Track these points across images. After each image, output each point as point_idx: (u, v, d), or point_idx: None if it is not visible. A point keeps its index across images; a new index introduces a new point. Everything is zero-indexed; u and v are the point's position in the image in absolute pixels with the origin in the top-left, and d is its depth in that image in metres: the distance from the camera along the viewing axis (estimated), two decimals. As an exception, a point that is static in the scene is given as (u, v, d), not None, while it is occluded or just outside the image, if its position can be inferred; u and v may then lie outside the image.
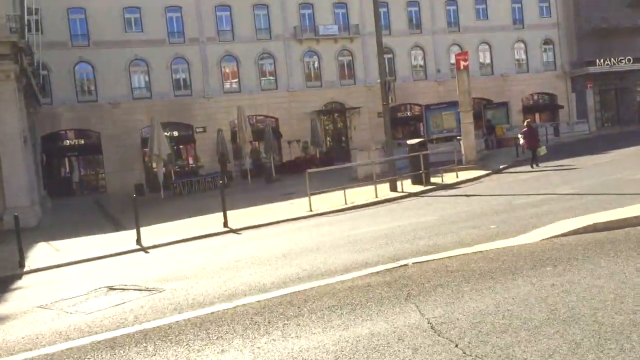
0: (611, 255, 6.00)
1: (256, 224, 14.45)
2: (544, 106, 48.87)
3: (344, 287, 6.30)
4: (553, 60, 48.43)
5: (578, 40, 47.88)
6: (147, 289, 7.87)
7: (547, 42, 48.05)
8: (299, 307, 5.71)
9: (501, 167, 21.82)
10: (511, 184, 15.94)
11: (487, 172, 20.50)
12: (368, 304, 5.51)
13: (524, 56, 47.52)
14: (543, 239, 7.14)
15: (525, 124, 22.13)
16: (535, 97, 48.80)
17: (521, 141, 21.49)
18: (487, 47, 45.81)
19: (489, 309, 4.85)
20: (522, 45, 47.24)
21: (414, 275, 6.36)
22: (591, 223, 7.28)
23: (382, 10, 37.25)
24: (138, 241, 12.91)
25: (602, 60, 47.23)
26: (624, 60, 47.57)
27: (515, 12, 46.84)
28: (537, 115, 47.71)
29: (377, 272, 6.75)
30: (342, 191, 16.39)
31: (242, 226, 14.23)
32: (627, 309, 4.43)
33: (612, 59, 47.36)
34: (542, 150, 20.58)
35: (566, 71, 48.10)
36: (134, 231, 12.94)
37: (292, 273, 7.71)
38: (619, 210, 8.06)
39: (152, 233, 14.14)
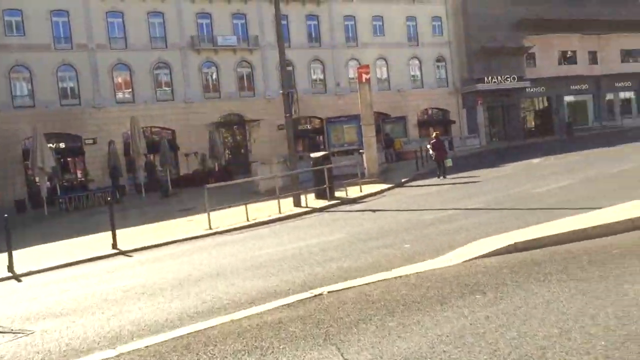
0: (541, 280, 5.57)
1: (150, 244, 13.20)
2: (437, 121, 50.41)
3: (252, 324, 5.43)
4: (445, 77, 50.19)
5: (468, 58, 49.96)
6: (11, 332, 6.57)
7: (440, 59, 49.72)
8: (197, 354, 4.77)
9: (403, 180, 21.80)
10: (416, 198, 15.74)
11: (390, 185, 20.37)
12: (281, 347, 4.68)
13: (418, 72, 48.85)
14: (465, 261, 6.66)
15: (433, 135, 22.52)
16: (430, 112, 50.28)
17: (431, 152, 21.79)
18: (384, 62, 46.64)
19: (423, 351, 4.19)
20: (417, 62, 48.57)
21: (331, 308, 5.61)
22: (512, 242, 6.90)
23: (282, 22, 36.84)
24: (10, 267, 11.29)
25: (490, 78, 49.55)
26: (509, 79, 50.20)
27: (410, 30, 48.12)
28: (431, 129, 49.14)
29: (289, 305, 5.94)
30: (243, 207, 15.49)
31: (133, 247, 12.94)
32: (577, 347, 3.92)
33: (499, 77, 49.82)
34: (449, 162, 20.96)
35: (457, 88, 49.97)
36: (5, 255, 11.31)
37: (190, 306, 6.73)
38: (535, 228, 7.79)
39: (28, 257, 12.52)
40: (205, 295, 7.18)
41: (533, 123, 57.94)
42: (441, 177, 20.34)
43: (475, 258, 6.70)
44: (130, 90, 36.88)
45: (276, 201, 15.99)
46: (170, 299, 7.23)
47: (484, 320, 4.66)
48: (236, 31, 40.35)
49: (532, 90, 53.60)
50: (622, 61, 60.32)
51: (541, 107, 58.35)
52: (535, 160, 23.37)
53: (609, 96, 59.54)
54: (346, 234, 10.76)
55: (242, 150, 41.03)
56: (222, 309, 6.40)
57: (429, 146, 22.34)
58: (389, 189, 19.63)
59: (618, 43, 59.54)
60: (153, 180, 31.41)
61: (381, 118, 41.58)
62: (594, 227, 7.14)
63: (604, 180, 13.31)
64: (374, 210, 14.13)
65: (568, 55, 57.54)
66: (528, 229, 7.80)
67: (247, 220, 15.02)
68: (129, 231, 15.88)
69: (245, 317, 5.74)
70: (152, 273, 9.51)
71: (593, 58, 58.52)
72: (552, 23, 53.00)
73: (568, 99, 57.43)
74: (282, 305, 5.94)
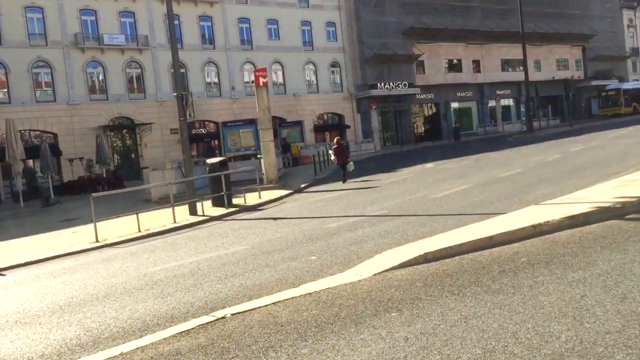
0: (456, 293, 5.36)
1: (27, 260, 11.93)
2: (333, 125, 50.92)
3: (145, 357, 4.78)
4: (340, 82, 50.84)
5: (362, 64, 50.92)
6: None
7: (334, 64, 50.29)
8: (81, 400, 4.08)
9: (302, 186, 21.52)
10: (317, 204, 15.46)
11: (290, 191, 20.01)
12: (181, 385, 4.10)
13: (314, 77, 49.13)
14: (376, 274, 6.36)
15: (335, 140, 22.36)
16: (325, 116, 50.74)
17: (332, 157, 21.66)
18: (279, 66, 46.44)
19: (343, 382, 3.79)
20: (312, 66, 48.82)
21: (236, 333, 5.07)
22: (421, 253, 6.70)
23: (174, 22, 35.50)
24: None
25: (383, 84, 50.77)
26: (401, 85, 51.70)
27: (305, 35, 48.30)
28: (327, 134, 49.61)
29: (188, 331, 5.32)
30: (134, 216, 14.48)
31: (8, 264, 11.65)
32: (505, 370, 3.68)
33: (391, 83, 51.17)
34: (351, 167, 20.91)
35: (352, 93, 50.78)
36: None
37: (72, 336, 5.91)
38: (442, 237, 7.67)
39: None
40: (90, 322, 6.38)
41: (423, 128, 60.15)
42: (344, 182, 20.35)
43: (386, 270, 6.42)
44: (5, 90, 34.08)
45: (170, 209, 15.12)
46: (49, 328, 6.36)
47: (403, 342, 4.33)
48: (124, 30, 38.47)
49: (422, 96, 55.60)
50: (502, 70, 64.13)
51: (430, 112, 60.72)
52: (429, 165, 23.97)
53: (491, 103, 63.04)
54: (248, 245, 10.21)
55: (133, 156, 39.15)
56: (110, 338, 5.66)
57: (331, 151, 22.33)
58: (288, 195, 19.27)
59: (499, 53, 63.24)
60: (33, 188, 29.07)
61: (278, 122, 41.27)
62: (499, 234, 7.12)
63: (496, 184, 13.69)
64: (275, 219, 13.67)
65: (454, 64, 60.28)
66: (436, 238, 7.67)
67: (139, 230, 14.05)
68: (2, 245, 14.37)
69: (137, 348, 5.07)
70: (29, 295, 8.46)
71: (477, 67, 61.73)
72: (439, 32, 55.29)
73: (455, 105, 60.19)
74: (181, 332, 5.32)
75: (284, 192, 19.69)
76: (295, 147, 38.38)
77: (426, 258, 6.65)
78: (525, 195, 11.22)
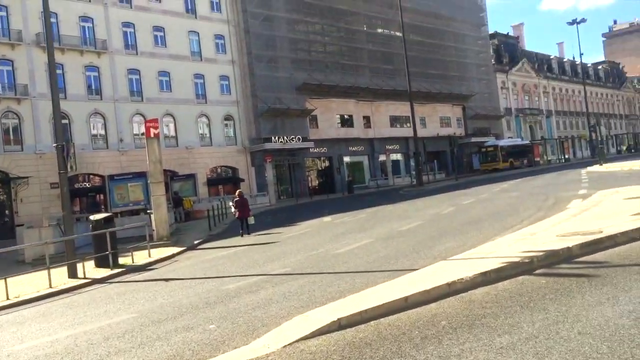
0: (379, 366, 4.78)
1: None
2: (227, 179, 49.98)
3: None
4: (234, 135, 50.28)
5: (256, 117, 50.81)
6: None
7: (228, 117, 49.79)
8: None
9: (196, 242, 20.40)
10: (213, 262, 14.49)
11: (182, 248, 18.86)
12: None
13: (207, 130, 48.26)
14: (285, 346, 5.64)
15: (237, 193, 22.07)
16: (219, 170, 49.74)
17: (233, 210, 21.31)
18: (171, 119, 45.21)
19: None
20: (206, 119, 48.02)
21: None
22: (335, 319, 6.08)
23: (57, 72, 33.55)
24: None
25: (277, 138, 50.80)
26: (294, 139, 51.99)
27: (198, 87, 47.61)
28: (220, 188, 48.51)
29: None
30: (2, 281, 12.79)
31: None
32: None
33: (285, 137, 51.33)
34: (251, 220, 20.67)
35: (246, 146, 50.33)
36: None
37: None
38: (354, 299, 7.11)
39: None
40: None
41: (317, 181, 60.64)
42: (244, 235, 20.01)
43: (297, 341, 5.73)
44: None
45: (46, 272, 13.52)
46: None
47: None
48: (1, 78, 35.85)
49: (315, 150, 56.20)
50: (391, 126, 66.62)
51: (324, 166, 61.46)
52: (327, 218, 23.70)
53: (382, 157, 64.94)
54: (136, 312, 9.10)
55: (7, 212, 35.86)
56: None
57: (231, 204, 21.91)
58: (181, 252, 18.11)
59: (387, 110, 65.76)
60: None
61: (169, 176, 39.75)
62: (414, 295, 6.68)
63: (398, 238, 13.49)
64: (167, 280, 12.55)
65: (346, 119, 61.79)
66: (347, 300, 7.09)
67: (7, 298, 12.39)
68: None
69: None
70: None
71: (367, 122, 63.67)
72: (331, 88, 56.70)
73: (347, 159, 61.38)
74: None
75: (176, 250, 18.50)
76: (187, 202, 36.97)
77: (340, 324, 6.04)
78: (429, 249, 11.03)
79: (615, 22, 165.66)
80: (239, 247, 17.06)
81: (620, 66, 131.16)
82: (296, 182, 54.48)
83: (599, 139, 53.31)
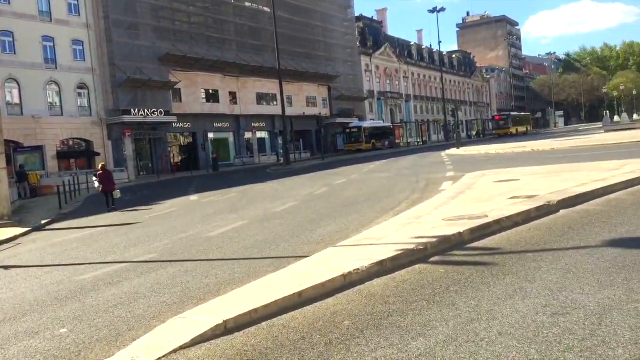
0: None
1: None
2: (80, 152, 46.27)
3: None
4: (89, 105, 46.50)
5: (114, 88, 47.33)
6: None
7: (82, 86, 45.92)
8: None
9: (44, 222, 18.20)
10: (65, 246, 12.75)
11: (27, 229, 16.68)
12: None
13: (57, 99, 44.10)
14: (160, 358, 4.62)
15: (100, 166, 21.36)
16: (71, 142, 45.85)
17: (96, 184, 20.44)
18: (15, 84, 40.66)
19: None
20: (56, 86, 43.87)
21: None
22: (220, 322, 5.12)
23: None
24: None
25: (137, 111, 47.76)
26: (156, 113, 49.24)
27: (47, 51, 43.22)
28: (73, 162, 44.78)
29: None
30: None
31: None
32: None
33: (146, 110, 48.42)
34: (117, 194, 20.01)
35: (102, 118, 46.81)
36: None
37: None
38: (240, 294, 6.18)
39: None
40: None
41: (180, 158, 58.21)
42: (112, 211, 19.08)
43: (174, 351, 4.72)
44: None
45: None
46: None
47: None
48: None
49: (179, 125, 53.81)
50: (258, 103, 65.63)
51: (187, 142, 59.14)
52: (194, 197, 22.37)
53: (248, 135, 63.88)
54: (-37, 312, 7.46)
55: None
56: None
57: (95, 178, 20.98)
58: (25, 234, 15.98)
59: (254, 86, 64.64)
60: None
61: (12, 147, 35.73)
62: (308, 289, 5.92)
63: (275, 220, 12.71)
64: (6, 268, 10.75)
65: (211, 94, 59.78)
66: (231, 296, 6.15)
67: None
68: None
69: None
70: None
71: (234, 98, 62.15)
72: (196, 61, 54.39)
73: (212, 135, 59.56)
74: None
75: (19, 231, 16.30)
76: (34, 176, 33.48)
77: (226, 327, 5.11)
78: (311, 233, 10.37)
79: (468, 14, 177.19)
80: (95, 229, 15.32)
81: (472, 56, 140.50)
82: (157, 158, 51.82)
83: (457, 124, 56.40)
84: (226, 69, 59.28)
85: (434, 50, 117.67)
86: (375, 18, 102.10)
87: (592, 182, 11.68)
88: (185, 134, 58.01)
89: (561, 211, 9.56)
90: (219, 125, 59.62)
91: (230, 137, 62.17)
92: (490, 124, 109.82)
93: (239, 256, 8.99)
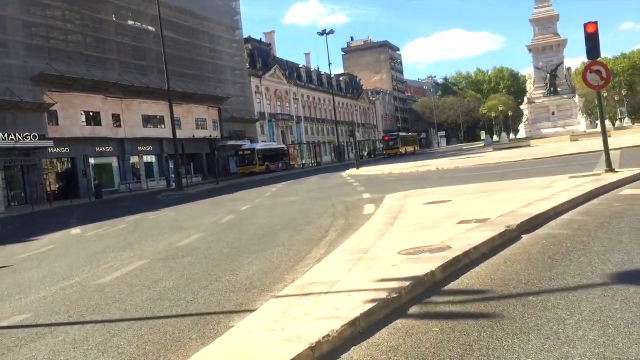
0: None
1: None
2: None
3: None
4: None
5: (-21, 110, 42.29)
6: None
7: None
8: None
9: None
10: None
11: None
12: None
13: None
14: None
15: None
16: None
17: None
18: None
19: None
20: None
21: None
22: None
23: None
24: None
25: (6, 135, 43.04)
26: (29, 137, 44.69)
27: None
28: None
29: None
30: None
31: None
32: None
33: (17, 135, 43.80)
34: None
35: (-36, 144, 41.60)
36: None
37: None
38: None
39: None
40: None
41: (57, 185, 53.36)
42: None
43: None
44: None
45: None
46: None
47: None
48: None
49: (55, 150, 49.32)
50: (144, 126, 62.09)
51: (66, 168, 54.44)
52: (76, 230, 19.45)
53: (134, 159, 60.12)
54: None
55: None
56: None
57: None
58: None
59: (140, 108, 61.14)
60: None
61: None
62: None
63: (183, 258, 10.58)
64: None
65: (93, 116, 55.66)
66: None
67: None
68: None
69: None
70: None
71: (117, 121, 58.32)
72: (75, 82, 50.37)
73: (94, 161, 55.35)
74: None
75: None
76: None
77: None
78: (233, 274, 8.44)
79: (352, 38, 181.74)
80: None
81: (358, 79, 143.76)
82: (31, 187, 46.94)
83: (356, 145, 56.23)
84: (109, 90, 55.46)
85: (322, 73, 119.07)
86: (263, 40, 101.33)
87: (536, 202, 10.73)
88: (63, 159, 53.30)
89: (524, 237, 8.37)
90: (101, 149, 55.48)
91: (114, 162, 58.08)
92: (380, 144, 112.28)
93: (146, 313, 6.88)
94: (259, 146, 71.25)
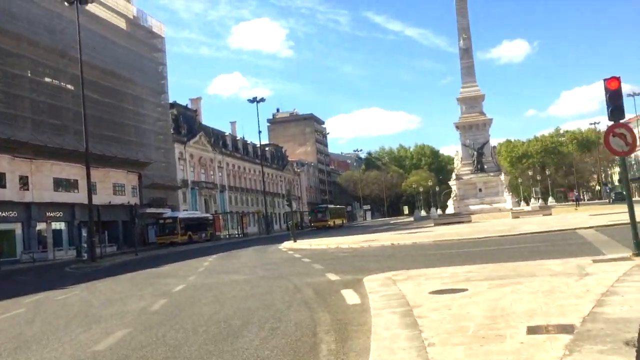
0: None
1: None
2: None
3: None
4: None
5: None
6: None
7: None
8: None
9: None
10: None
11: None
12: None
13: None
14: None
15: None
16: None
17: None
18: None
19: None
20: None
21: None
22: None
23: None
24: None
25: None
26: None
27: None
28: None
29: None
30: None
31: None
32: None
33: None
34: None
35: None
36: None
37: None
38: None
39: None
40: None
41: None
42: None
43: None
44: None
45: None
46: None
47: None
48: None
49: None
50: (55, 190, 56.67)
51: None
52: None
53: (41, 226, 54.31)
54: None
55: None
56: None
57: None
58: None
59: (51, 171, 55.97)
60: None
61: None
62: None
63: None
64: None
65: (-4, 177, 49.98)
66: None
67: None
68: None
69: None
70: None
71: (25, 184, 52.74)
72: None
73: (-5, 226, 49.26)
74: None
75: None
76: None
77: None
78: None
79: (278, 110, 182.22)
80: None
81: (283, 149, 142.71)
82: None
83: (292, 216, 53.19)
84: (18, 149, 50.27)
85: (248, 142, 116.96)
86: (189, 106, 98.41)
87: (602, 296, 8.04)
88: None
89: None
90: (3, 214, 49.53)
91: (17, 228, 51.96)
92: (308, 216, 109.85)
93: None
94: (182, 215, 66.86)
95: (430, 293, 9.86)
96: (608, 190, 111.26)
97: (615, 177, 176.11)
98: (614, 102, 12.08)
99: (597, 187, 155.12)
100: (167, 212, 68.66)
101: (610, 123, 12.37)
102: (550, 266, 11.80)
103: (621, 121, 12.37)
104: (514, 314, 7.40)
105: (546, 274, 10.75)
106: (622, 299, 7.69)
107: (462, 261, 15.50)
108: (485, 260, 15.05)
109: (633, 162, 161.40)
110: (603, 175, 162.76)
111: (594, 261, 11.94)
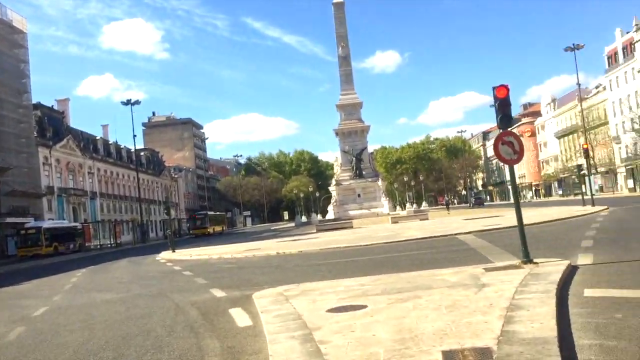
0: None
1: None
2: None
3: None
4: None
5: None
6: None
7: None
8: None
9: None
10: None
11: None
12: None
13: None
14: None
15: None
16: None
17: None
18: None
19: None
20: None
21: None
22: None
23: None
24: None
25: None
26: None
27: None
28: None
29: None
30: None
31: None
32: None
33: None
34: None
35: None
36: None
37: None
38: None
39: None
40: None
41: None
42: None
43: None
44: None
45: None
46: None
47: None
48: None
49: None
50: None
51: None
52: None
53: None
54: None
55: None
56: None
57: None
58: None
59: None
60: None
61: None
62: None
63: None
64: None
65: None
66: None
67: None
68: None
69: None
70: None
71: None
72: None
73: None
74: None
75: None
76: None
77: None
78: None
79: (154, 113, 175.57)
80: None
81: (160, 155, 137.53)
82: None
83: (170, 224, 50.59)
84: None
85: (122, 147, 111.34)
86: (55, 107, 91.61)
87: (503, 310, 7.73)
88: None
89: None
90: None
91: None
92: (186, 223, 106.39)
93: None
94: (46, 224, 61.67)
95: (327, 311, 9.16)
96: (472, 195, 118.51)
97: (479, 183, 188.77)
98: (503, 110, 12.17)
99: (464, 192, 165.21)
100: (30, 222, 63.12)
101: (499, 131, 12.49)
102: (445, 276, 11.56)
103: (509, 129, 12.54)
104: (424, 335, 6.85)
105: (443, 285, 10.45)
106: (529, 313, 7.42)
107: (353, 272, 15.00)
108: (377, 270, 14.63)
109: (495, 168, 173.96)
110: (469, 180, 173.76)
111: (486, 270, 11.89)
